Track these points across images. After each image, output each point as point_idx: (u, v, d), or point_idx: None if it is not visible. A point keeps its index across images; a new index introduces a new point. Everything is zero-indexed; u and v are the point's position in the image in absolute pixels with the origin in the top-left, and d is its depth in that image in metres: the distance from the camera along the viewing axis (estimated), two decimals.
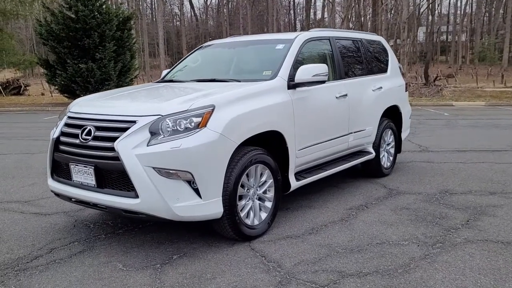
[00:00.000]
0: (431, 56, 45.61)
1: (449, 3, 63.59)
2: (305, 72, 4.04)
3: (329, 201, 4.74)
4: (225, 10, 67.86)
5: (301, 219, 4.18)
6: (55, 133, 3.73)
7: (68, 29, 18.09)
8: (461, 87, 26.44)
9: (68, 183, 3.63)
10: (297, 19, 72.50)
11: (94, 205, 3.49)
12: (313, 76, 4.05)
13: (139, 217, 3.32)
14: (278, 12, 57.54)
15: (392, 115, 5.88)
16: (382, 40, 6.05)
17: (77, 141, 3.49)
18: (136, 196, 3.20)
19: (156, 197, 3.16)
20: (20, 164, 7.05)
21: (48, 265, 3.31)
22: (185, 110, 3.27)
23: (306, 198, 4.82)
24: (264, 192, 3.82)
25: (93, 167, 3.34)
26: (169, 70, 5.23)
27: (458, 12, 59.81)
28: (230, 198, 3.41)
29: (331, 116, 4.63)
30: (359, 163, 5.20)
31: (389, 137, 5.85)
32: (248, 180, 3.63)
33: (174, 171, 3.16)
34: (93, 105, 3.82)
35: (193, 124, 3.23)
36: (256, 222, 3.73)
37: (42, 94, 28.13)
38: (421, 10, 50.45)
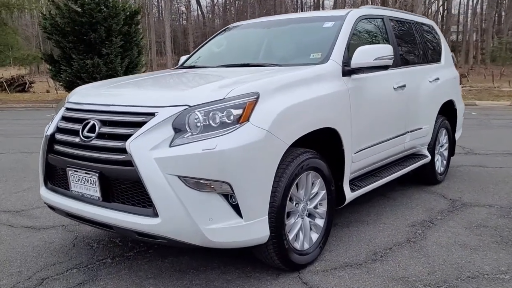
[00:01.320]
0: None
1: (459, 3, 62.37)
2: (365, 54, 3.20)
3: (383, 215, 3.89)
4: (232, 8, 67.02)
5: (356, 239, 3.33)
6: (50, 128, 2.91)
7: (73, 23, 17.33)
8: (476, 87, 25.49)
9: (65, 194, 2.81)
10: None
11: (98, 224, 2.66)
12: (375, 59, 3.20)
13: (158, 241, 2.49)
14: (287, 11, 56.55)
15: (446, 112, 5.01)
16: (434, 25, 5.19)
17: (76, 139, 2.67)
18: (155, 215, 2.38)
19: (181, 216, 2.33)
20: (16, 164, 6.25)
21: None
22: (221, 99, 2.44)
23: (354, 210, 3.98)
24: (315, 206, 2.98)
25: (97, 175, 2.52)
26: (188, 56, 4.40)
27: (469, 11, 58.59)
28: (277, 216, 2.57)
29: (389, 111, 3.78)
30: (414, 168, 4.34)
31: (443, 138, 4.99)
32: (297, 191, 2.79)
33: (206, 182, 2.33)
34: (98, 94, 3.00)
35: (232, 117, 2.40)
36: (306, 245, 2.89)
37: (47, 91, 27.41)
38: (432, 9, 49.34)
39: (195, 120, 2.39)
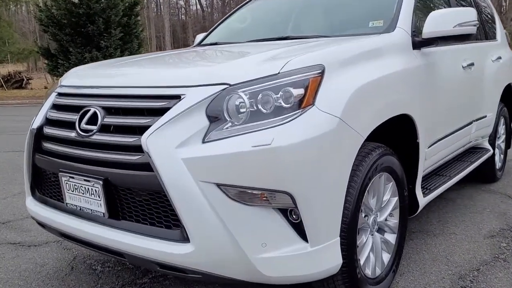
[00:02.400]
0: None
1: None
2: (442, 20, 2.48)
3: (448, 222, 3.19)
4: (232, 2, 66.03)
5: (429, 257, 2.64)
6: (36, 120, 2.20)
7: (70, 14, 16.57)
8: None
9: (59, 208, 2.11)
10: None
11: (104, 250, 1.95)
12: (455, 27, 2.48)
13: (189, 276, 1.78)
14: None
15: (504, 98, 4.29)
16: None
17: (72, 134, 1.96)
18: (185, 239, 1.67)
19: (223, 242, 1.63)
20: (7, 165, 5.54)
21: None
22: (275, 75, 1.73)
23: (412, 217, 3.25)
24: (386, 218, 2.28)
25: (101, 182, 1.82)
26: (205, 34, 3.67)
27: None
28: (349, 236, 1.87)
29: (459, 95, 3.07)
30: (479, 164, 3.63)
31: (501, 128, 4.29)
32: (369, 200, 2.09)
33: (258, 192, 1.63)
34: (101, 74, 2.29)
35: (291, 100, 1.69)
36: (378, 270, 2.19)
37: (45, 88, 26.65)
38: None
39: (239, 105, 1.68)
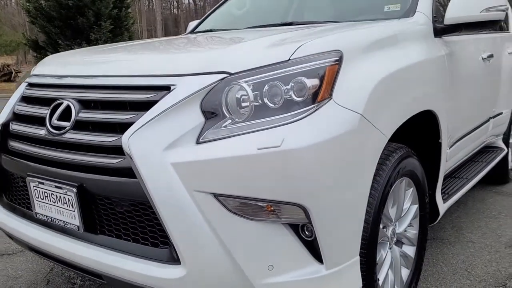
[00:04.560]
0: None
1: None
2: (467, 4, 2.20)
3: (463, 229, 2.93)
4: None
5: (448, 270, 2.37)
6: (1, 115, 1.88)
7: (59, 6, 16.08)
8: None
9: (28, 217, 1.80)
10: None
11: (79, 270, 1.65)
12: (482, 11, 2.20)
13: None
14: None
15: None
16: None
17: (41, 131, 1.65)
18: (175, 261, 1.38)
19: (221, 264, 1.34)
20: None
21: None
22: (285, 62, 1.43)
23: None
24: (405, 228, 2.00)
25: (74, 190, 1.51)
26: (198, 21, 3.36)
27: None
28: (368, 253, 1.59)
29: (479, 89, 2.80)
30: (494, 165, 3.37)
31: None
32: (388, 209, 1.81)
33: (264, 204, 1.34)
34: (77, 61, 1.97)
35: (304, 92, 1.39)
36: None
37: None
38: None
39: (241, 98, 1.39)
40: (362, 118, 1.45)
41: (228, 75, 1.42)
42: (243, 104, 1.39)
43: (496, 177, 3.83)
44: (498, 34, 3.51)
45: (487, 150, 3.56)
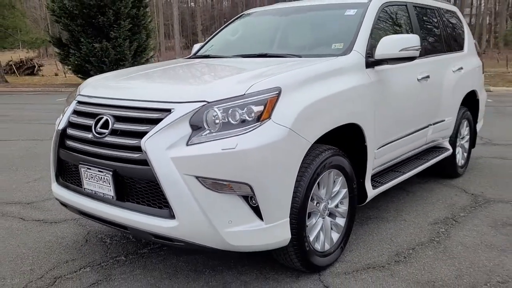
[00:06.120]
0: None
1: None
2: (390, 45, 3.02)
3: (403, 211, 3.76)
4: None
5: (377, 238, 3.22)
6: (61, 123, 2.79)
7: (81, 5, 17.11)
8: (490, 72, 24.83)
9: (77, 191, 2.71)
10: None
11: (112, 224, 2.56)
12: (401, 50, 3.03)
13: (174, 244, 2.38)
14: None
15: (468, 103, 4.81)
16: (457, 11, 4.96)
17: (89, 135, 2.56)
18: (171, 216, 2.27)
19: (199, 219, 2.22)
20: (26, 152, 6.19)
21: None
22: (241, 95, 2.30)
23: (373, 206, 3.85)
24: (336, 205, 2.86)
25: (111, 173, 2.41)
26: (202, 44, 4.24)
27: None
28: (299, 217, 2.46)
29: (413, 104, 3.61)
30: (436, 162, 4.18)
31: (465, 129, 4.82)
32: (319, 190, 2.66)
33: (225, 183, 2.21)
34: (111, 86, 2.87)
35: (252, 115, 2.26)
36: (327, 246, 2.78)
37: (56, 75, 27.40)
38: None
39: (214, 117, 2.26)
40: (290, 130, 2.31)
41: (207, 103, 2.29)
42: (216, 121, 2.26)
43: (446, 172, 4.64)
44: (446, 56, 4.30)
45: (434, 149, 4.37)
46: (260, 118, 2.27)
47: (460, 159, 4.76)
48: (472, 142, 5.04)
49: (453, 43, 4.59)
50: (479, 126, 5.21)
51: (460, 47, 4.76)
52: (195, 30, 58.09)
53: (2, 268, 2.84)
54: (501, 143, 6.47)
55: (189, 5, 72.05)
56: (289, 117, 2.34)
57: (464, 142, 4.87)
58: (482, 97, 5.09)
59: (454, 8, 4.94)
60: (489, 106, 11.30)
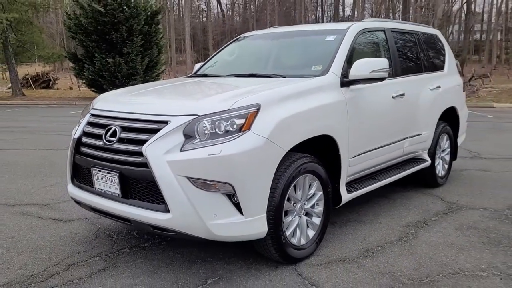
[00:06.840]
0: (466, 55, 43.81)
1: (483, 1, 61.19)
2: (362, 67, 3.47)
3: (380, 215, 4.16)
4: (252, 6, 67.28)
5: (352, 237, 3.62)
6: (77, 132, 3.28)
7: (96, 22, 17.90)
8: (498, 88, 25.05)
9: (89, 191, 3.18)
10: (324, 16, 71.24)
11: (118, 218, 3.02)
12: (371, 72, 3.48)
13: (169, 234, 2.83)
14: (307, 9, 56.49)
15: (448, 118, 5.22)
16: (439, 34, 5.40)
17: (100, 143, 3.03)
18: (167, 211, 2.72)
19: (190, 213, 2.67)
20: (43, 161, 6.71)
21: (64, 286, 2.87)
22: (226, 110, 2.76)
23: (353, 210, 4.25)
24: (312, 206, 3.28)
25: (117, 174, 2.88)
26: (202, 64, 4.73)
27: (494, 10, 57.44)
28: (276, 214, 2.89)
29: (387, 118, 4.04)
30: (412, 172, 4.59)
31: (445, 143, 5.21)
32: (295, 192, 3.10)
33: (211, 182, 2.66)
34: (119, 101, 3.35)
35: (235, 126, 2.72)
36: (303, 241, 3.19)
37: (70, 88, 28.29)
38: (455, 8, 48.70)
39: (203, 128, 2.72)
40: (267, 140, 2.76)
41: (198, 116, 2.76)
42: (205, 132, 2.72)
43: (427, 182, 5.03)
44: (424, 75, 4.73)
45: (414, 160, 4.77)
46: (241, 129, 2.73)
47: (440, 170, 5.15)
48: (453, 155, 5.42)
49: (433, 64, 5.02)
50: (460, 140, 5.59)
51: (441, 67, 5.19)
52: (207, 45, 59.14)
53: (24, 257, 3.31)
54: (488, 157, 6.82)
55: (201, 20, 73.43)
56: (267, 129, 2.79)
57: (444, 154, 5.26)
58: (463, 113, 5.48)
59: (435, 31, 5.38)
60: (487, 121, 11.68)
